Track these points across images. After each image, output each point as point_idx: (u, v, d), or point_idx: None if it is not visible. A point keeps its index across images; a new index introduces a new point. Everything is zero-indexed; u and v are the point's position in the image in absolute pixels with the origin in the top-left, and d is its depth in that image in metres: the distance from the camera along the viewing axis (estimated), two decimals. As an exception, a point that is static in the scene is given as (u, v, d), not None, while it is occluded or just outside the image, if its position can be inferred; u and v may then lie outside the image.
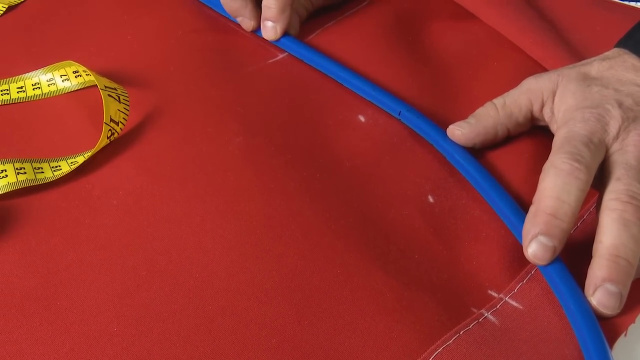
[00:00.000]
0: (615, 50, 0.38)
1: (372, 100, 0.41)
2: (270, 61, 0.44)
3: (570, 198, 0.31)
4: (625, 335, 0.30)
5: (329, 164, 0.37)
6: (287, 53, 0.44)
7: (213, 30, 0.46)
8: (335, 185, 0.36)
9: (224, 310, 0.31)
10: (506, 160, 0.38)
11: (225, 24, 0.46)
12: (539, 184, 0.33)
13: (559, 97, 0.36)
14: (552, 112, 0.37)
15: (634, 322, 0.31)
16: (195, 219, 0.34)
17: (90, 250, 0.33)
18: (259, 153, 0.38)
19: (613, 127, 0.34)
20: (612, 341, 0.30)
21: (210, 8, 0.47)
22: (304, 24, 0.46)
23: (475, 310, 0.31)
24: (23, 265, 0.32)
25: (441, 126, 0.38)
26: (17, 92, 0.41)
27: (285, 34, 0.44)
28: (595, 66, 0.37)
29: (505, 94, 0.38)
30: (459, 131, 0.37)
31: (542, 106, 0.37)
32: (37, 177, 0.35)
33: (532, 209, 0.32)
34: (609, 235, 0.31)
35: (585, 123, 0.34)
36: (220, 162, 0.37)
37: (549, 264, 0.31)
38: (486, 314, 0.31)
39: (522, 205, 0.34)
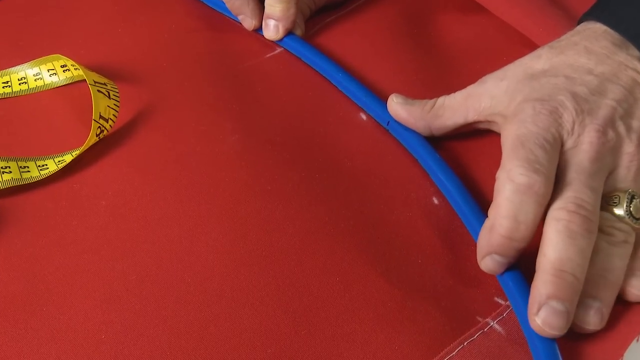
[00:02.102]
0: (579, 26, 0.36)
1: (363, 107, 0.40)
2: (268, 56, 0.43)
3: (527, 218, 0.29)
4: (638, 340, 0.30)
5: (329, 164, 0.37)
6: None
7: (208, 25, 0.45)
8: (335, 187, 0.36)
9: (217, 318, 0.30)
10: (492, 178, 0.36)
11: (221, 18, 0.46)
12: (494, 196, 0.31)
13: (507, 99, 0.34)
14: (491, 115, 0.35)
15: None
16: (187, 222, 0.34)
17: (78, 253, 0.33)
18: (255, 153, 0.37)
19: (567, 120, 0.31)
20: (624, 347, 0.29)
21: (207, 5, 0.46)
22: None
23: (480, 319, 0.31)
24: (7, 269, 0.32)
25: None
26: (3, 87, 0.40)
27: (290, 33, 0.43)
28: (543, 57, 0.35)
29: (454, 94, 0.36)
30: (393, 100, 0.37)
31: (479, 113, 0.35)
32: (22, 177, 0.35)
33: (487, 223, 0.31)
34: (553, 248, 0.29)
35: (537, 117, 0.31)
36: (214, 162, 0.36)
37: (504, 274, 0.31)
38: (492, 323, 0.31)
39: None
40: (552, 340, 0.28)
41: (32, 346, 0.29)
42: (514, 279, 0.30)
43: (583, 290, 0.29)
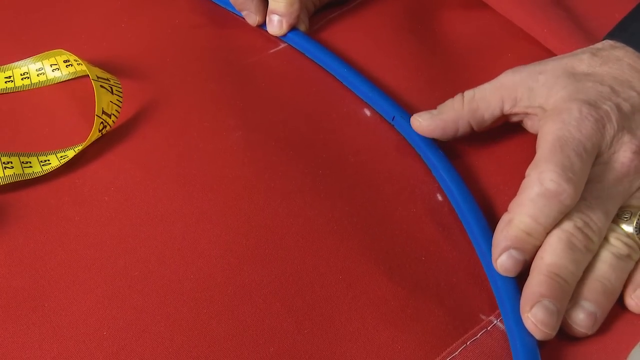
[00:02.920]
0: (606, 42, 0.35)
1: (368, 102, 0.39)
2: (271, 51, 0.43)
3: (547, 221, 0.30)
4: None
5: (333, 160, 0.37)
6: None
7: (212, 20, 0.45)
8: (339, 183, 0.36)
9: (220, 315, 0.30)
10: (495, 177, 0.36)
11: (224, 14, 0.45)
12: (520, 191, 0.31)
13: (545, 92, 0.33)
14: (529, 108, 0.34)
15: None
16: (190, 218, 0.33)
17: (80, 249, 0.32)
18: (258, 149, 0.37)
19: (609, 133, 0.31)
20: (627, 349, 0.29)
21: (211, 1, 0.46)
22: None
23: (484, 317, 0.31)
24: (9, 265, 0.32)
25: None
26: (5, 82, 0.40)
27: (294, 29, 0.42)
28: (585, 60, 0.34)
29: (481, 86, 0.35)
30: (419, 121, 0.36)
31: (515, 104, 0.34)
32: (25, 172, 0.35)
33: (506, 216, 0.31)
34: (552, 253, 0.29)
35: (582, 122, 0.31)
36: (217, 158, 0.36)
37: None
38: (495, 322, 0.30)
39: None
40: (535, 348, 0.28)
41: (34, 342, 0.29)
42: (506, 287, 0.30)
43: (580, 293, 0.30)
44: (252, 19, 0.43)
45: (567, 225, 0.30)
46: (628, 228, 0.31)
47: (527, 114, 0.35)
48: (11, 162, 0.35)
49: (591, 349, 0.30)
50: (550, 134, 0.31)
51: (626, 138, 0.31)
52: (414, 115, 0.36)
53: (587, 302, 0.29)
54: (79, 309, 0.30)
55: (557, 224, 0.30)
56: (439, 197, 0.35)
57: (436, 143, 0.36)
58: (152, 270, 0.31)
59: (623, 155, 0.31)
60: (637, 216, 0.31)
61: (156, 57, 0.42)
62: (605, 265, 0.30)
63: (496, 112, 0.35)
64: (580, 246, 0.30)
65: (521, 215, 0.30)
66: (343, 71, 0.40)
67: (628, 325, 0.30)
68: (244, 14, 0.44)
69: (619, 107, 0.32)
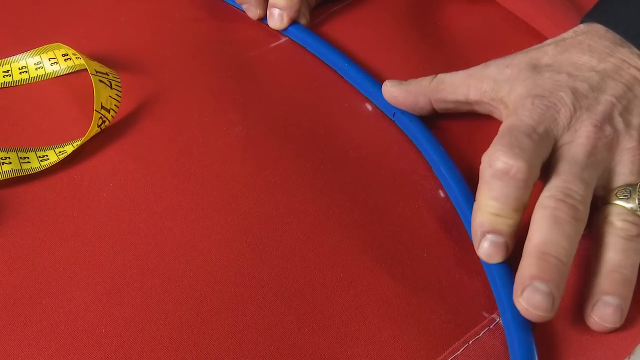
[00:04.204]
0: (577, 28, 0.36)
1: (369, 97, 0.39)
2: (272, 45, 0.43)
3: (509, 200, 0.30)
4: (629, 358, 0.29)
5: (334, 156, 0.36)
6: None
7: (212, 14, 0.45)
8: (340, 179, 0.35)
9: (220, 313, 0.30)
10: None
11: (225, 7, 0.45)
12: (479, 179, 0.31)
13: (508, 86, 0.34)
14: (493, 100, 0.35)
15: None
16: (190, 215, 0.33)
17: (78, 245, 0.32)
18: (258, 144, 0.37)
19: (564, 116, 0.32)
20: (632, 345, 0.29)
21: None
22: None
23: (486, 315, 0.30)
24: (7, 261, 0.31)
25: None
26: (3, 77, 0.39)
27: (295, 22, 0.42)
28: (549, 51, 0.35)
29: (455, 72, 0.36)
30: (387, 86, 0.37)
31: (481, 94, 0.35)
32: (23, 168, 0.34)
33: (474, 206, 0.31)
34: (538, 232, 0.29)
35: (533, 111, 0.32)
36: (217, 153, 0.36)
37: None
38: (498, 319, 0.30)
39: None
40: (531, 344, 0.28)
41: (31, 339, 0.29)
42: (504, 283, 0.30)
43: (600, 288, 0.29)
44: (253, 12, 0.43)
45: (548, 201, 0.30)
46: (631, 205, 0.31)
47: (490, 105, 0.36)
48: (9, 158, 0.34)
49: (594, 346, 0.29)
50: (503, 126, 0.32)
51: (585, 116, 0.32)
52: (386, 80, 0.37)
53: (610, 296, 0.29)
54: (77, 306, 0.30)
55: (538, 203, 0.30)
56: (441, 194, 0.35)
57: (437, 139, 0.36)
58: (151, 267, 0.31)
59: (585, 129, 0.32)
60: (637, 192, 0.31)
61: (156, 51, 0.41)
62: (617, 253, 0.30)
63: (460, 97, 0.36)
64: (567, 217, 0.29)
65: (484, 199, 0.30)
66: (344, 66, 0.40)
67: (618, 339, 0.30)
68: (244, 7, 0.43)
69: (574, 90, 0.33)
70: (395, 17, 0.44)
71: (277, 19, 0.42)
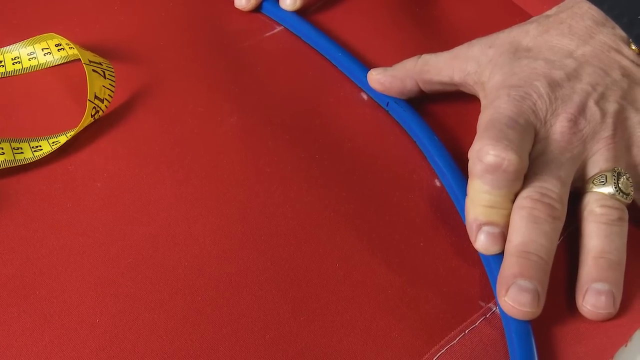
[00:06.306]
0: (562, 4, 0.36)
1: (363, 87, 0.39)
2: (267, 35, 0.42)
3: (502, 192, 0.30)
4: (626, 345, 0.29)
5: (329, 145, 0.36)
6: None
7: (206, 3, 0.44)
8: (335, 168, 0.35)
9: (215, 303, 0.30)
10: None
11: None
12: (469, 174, 0.31)
13: (489, 70, 0.34)
14: (476, 84, 0.35)
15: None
16: (184, 205, 0.33)
17: (72, 236, 0.32)
18: (254, 134, 0.36)
19: (540, 109, 0.32)
20: (613, 351, 0.29)
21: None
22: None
23: (483, 304, 0.30)
24: (0, 252, 0.31)
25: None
26: (-4, 66, 0.39)
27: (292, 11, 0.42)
28: (531, 31, 0.35)
29: (440, 53, 0.36)
30: (372, 75, 0.37)
31: (464, 76, 0.35)
32: (16, 158, 0.34)
33: (467, 199, 0.31)
34: (517, 233, 0.29)
35: (509, 103, 0.32)
36: (212, 143, 0.36)
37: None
38: (494, 309, 0.30)
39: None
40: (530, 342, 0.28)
41: (25, 330, 0.29)
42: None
43: (588, 276, 0.29)
44: (238, 2, 0.43)
45: (525, 202, 0.30)
46: (608, 189, 0.31)
47: (474, 88, 0.36)
48: (2, 148, 0.34)
49: (588, 335, 0.29)
50: (483, 118, 0.32)
51: (560, 109, 0.32)
52: (371, 69, 0.37)
53: (599, 282, 0.29)
54: (71, 297, 0.30)
55: (515, 204, 0.30)
56: (437, 183, 0.35)
57: (431, 128, 0.36)
58: (145, 257, 0.31)
59: (560, 125, 0.31)
60: (613, 177, 0.31)
61: (150, 41, 0.41)
62: (600, 239, 0.30)
63: (445, 79, 0.36)
64: (544, 216, 0.29)
65: (477, 193, 0.30)
66: (338, 55, 0.40)
67: (615, 326, 0.30)
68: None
69: (550, 80, 0.32)
70: (391, 6, 0.44)
71: (290, 0, 0.42)
